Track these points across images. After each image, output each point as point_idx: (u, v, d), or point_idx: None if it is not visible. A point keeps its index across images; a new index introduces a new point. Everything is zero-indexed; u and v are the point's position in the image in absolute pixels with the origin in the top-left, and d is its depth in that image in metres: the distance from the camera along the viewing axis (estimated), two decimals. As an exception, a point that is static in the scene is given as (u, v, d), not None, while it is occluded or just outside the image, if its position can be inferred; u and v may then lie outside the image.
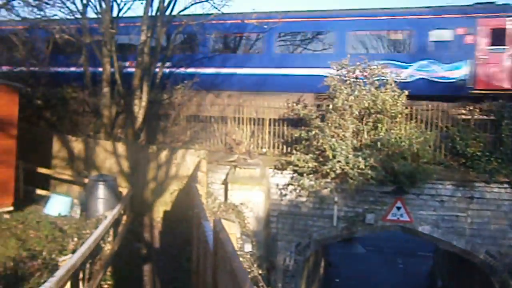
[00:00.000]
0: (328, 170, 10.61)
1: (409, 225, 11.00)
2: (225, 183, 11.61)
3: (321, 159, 10.89)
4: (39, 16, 12.07)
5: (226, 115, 12.97)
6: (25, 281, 6.41)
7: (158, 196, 11.93)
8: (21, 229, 8.90)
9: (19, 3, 11.41)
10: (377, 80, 11.40)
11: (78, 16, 13.67)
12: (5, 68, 14.50)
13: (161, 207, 11.93)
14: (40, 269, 6.78)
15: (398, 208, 10.93)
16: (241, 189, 11.19)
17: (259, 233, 11.13)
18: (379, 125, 11.08)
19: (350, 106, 10.81)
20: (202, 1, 13.41)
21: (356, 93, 10.96)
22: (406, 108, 11.29)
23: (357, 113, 10.86)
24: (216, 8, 13.46)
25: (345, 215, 11.27)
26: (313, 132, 10.87)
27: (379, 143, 10.63)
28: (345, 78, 11.47)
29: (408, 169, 10.37)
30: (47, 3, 11.78)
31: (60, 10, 13.04)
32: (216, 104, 13.36)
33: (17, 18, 11.72)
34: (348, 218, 11.23)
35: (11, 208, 9.63)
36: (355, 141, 10.84)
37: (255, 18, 13.11)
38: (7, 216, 9.44)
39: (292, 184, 11.45)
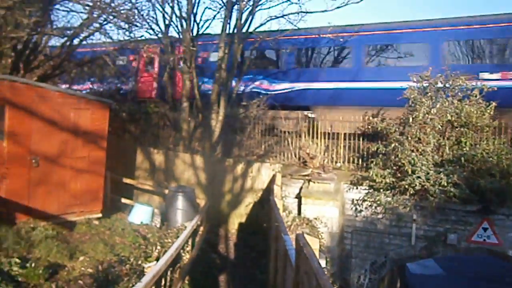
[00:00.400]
0: (406, 186, 10.18)
1: (498, 248, 10.17)
2: (298, 197, 11.58)
3: (399, 175, 10.48)
4: (127, 38, 13.05)
5: (300, 129, 12.99)
6: (116, 284, 6.82)
7: (234, 208, 12.19)
8: (108, 235, 9.50)
9: (110, 27, 12.42)
10: (461, 91, 10.87)
11: (161, 36, 14.59)
12: (96, 86, 15.85)
13: (236, 219, 12.17)
14: (128, 274, 7.16)
15: (485, 229, 10.15)
16: (315, 204, 11.10)
17: (332, 249, 10.95)
18: (463, 139, 10.46)
19: (432, 119, 10.35)
20: (278, 17, 13.66)
21: (438, 105, 10.51)
22: (494, 120, 10.60)
23: (439, 126, 10.37)
24: (292, 24, 13.65)
25: (425, 234, 10.69)
26: (392, 146, 10.53)
27: (463, 159, 10.04)
28: (426, 90, 11.04)
29: (496, 186, 9.65)
30: (136, 25, 12.72)
31: (146, 31, 14.06)
32: (290, 118, 13.46)
33: (109, 40, 12.75)
34: (427, 238, 10.65)
35: (99, 215, 10.32)
36: (436, 156, 10.30)
37: (330, 32, 13.10)
38: (96, 222, 10.13)
39: (367, 200, 11.13)
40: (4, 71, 10.86)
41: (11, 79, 9.19)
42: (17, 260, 6.82)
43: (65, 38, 12.05)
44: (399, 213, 10.74)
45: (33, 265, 6.82)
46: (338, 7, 13.12)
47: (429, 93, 10.90)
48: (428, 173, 9.85)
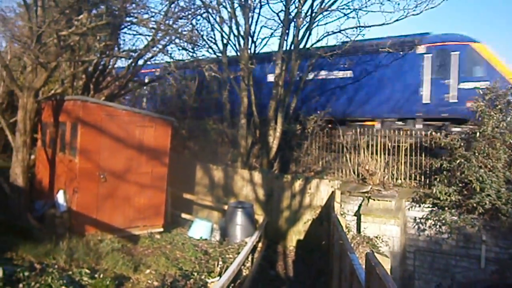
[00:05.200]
0: (474, 205, 9.67)
1: None
2: (357, 214, 11.31)
3: (465, 192, 9.99)
4: (189, 57, 13.54)
5: (359, 144, 12.76)
6: (181, 298, 6.98)
7: (292, 225, 12.08)
8: (169, 249, 9.73)
9: (172, 48, 12.97)
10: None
11: (219, 54, 14.99)
12: (158, 104, 16.54)
13: (294, 236, 12.05)
14: (192, 288, 7.32)
15: None
16: (375, 222, 10.78)
17: (394, 269, 10.53)
18: (538, 155, 9.84)
19: (502, 134, 9.80)
20: (335, 33, 13.60)
21: (508, 119, 9.95)
22: None
23: (510, 141, 9.80)
24: (349, 38, 13.51)
25: (496, 256, 10.01)
26: (457, 162, 10.07)
27: (539, 176, 9.42)
28: (495, 103, 10.51)
29: None
30: (198, 45, 13.20)
31: (207, 51, 14.55)
32: (348, 133, 13.27)
33: (170, 60, 13.28)
34: (499, 261, 9.96)
35: (161, 229, 10.61)
36: (508, 173, 9.73)
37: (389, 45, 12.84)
38: (158, 236, 10.43)
39: (431, 219, 10.65)
40: (76, 92, 11.62)
41: (83, 99, 9.79)
42: (87, 271, 7.15)
43: (131, 60, 12.71)
44: (466, 233, 10.18)
45: (101, 276, 7.11)
46: (397, 20, 12.79)
47: (499, 106, 10.36)
48: (499, 191, 9.31)
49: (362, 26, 13.32)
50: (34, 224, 9.00)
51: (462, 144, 10.49)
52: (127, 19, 11.14)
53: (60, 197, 9.39)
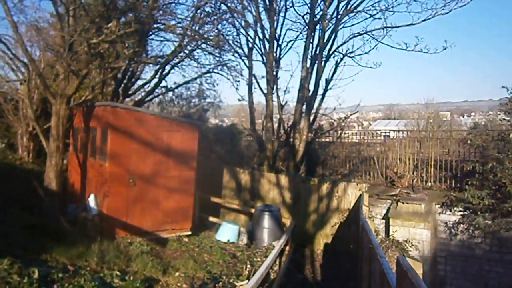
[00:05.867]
0: (509, 209, 9.39)
1: None
2: (385, 218, 11.14)
3: (499, 196, 9.70)
4: (214, 62, 13.70)
5: (387, 147, 12.60)
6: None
7: (319, 228, 12.00)
8: (197, 252, 9.81)
9: (197, 53, 13.12)
10: None
11: (245, 58, 15.08)
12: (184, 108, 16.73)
13: (322, 239, 11.96)
14: (222, 291, 7.35)
15: None
16: (404, 226, 10.60)
17: (425, 274, 10.30)
18: None
19: (537, 135, 9.51)
20: (361, 34, 13.47)
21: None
22: None
23: (546, 143, 9.50)
24: (376, 40, 13.39)
25: (534, 263, 9.72)
26: (489, 165, 9.80)
27: None
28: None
29: None
30: (224, 50, 13.31)
31: (233, 55, 14.64)
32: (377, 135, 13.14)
33: (195, 65, 13.47)
34: (537, 267, 9.67)
35: (189, 233, 10.70)
36: (544, 176, 9.42)
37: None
38: (186, 239, 10.53)
39: (463, 223, 10.39)
40: (105, 98, 11.89)
41: (113, 105, 10.00)
42: (118, 273, 7.25)
43: (158, 66, 12.93)
44: (501, 238, 9.90)
45: (131, 278, 7.21)
46: (424, 20, 12.57)
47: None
48: (535, 195, 9.01)
49: (389, 27, 13.17)
50: (67, 227, 9.21)
51: (495, 145, 10.22)
52: (155, 25, 11.37)
53: (92, 201, 9.61)
